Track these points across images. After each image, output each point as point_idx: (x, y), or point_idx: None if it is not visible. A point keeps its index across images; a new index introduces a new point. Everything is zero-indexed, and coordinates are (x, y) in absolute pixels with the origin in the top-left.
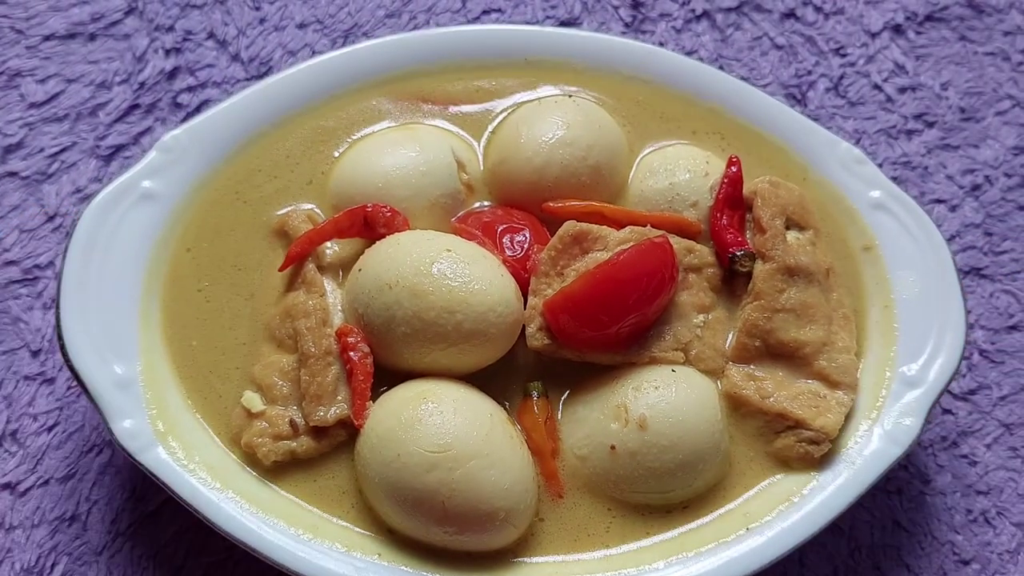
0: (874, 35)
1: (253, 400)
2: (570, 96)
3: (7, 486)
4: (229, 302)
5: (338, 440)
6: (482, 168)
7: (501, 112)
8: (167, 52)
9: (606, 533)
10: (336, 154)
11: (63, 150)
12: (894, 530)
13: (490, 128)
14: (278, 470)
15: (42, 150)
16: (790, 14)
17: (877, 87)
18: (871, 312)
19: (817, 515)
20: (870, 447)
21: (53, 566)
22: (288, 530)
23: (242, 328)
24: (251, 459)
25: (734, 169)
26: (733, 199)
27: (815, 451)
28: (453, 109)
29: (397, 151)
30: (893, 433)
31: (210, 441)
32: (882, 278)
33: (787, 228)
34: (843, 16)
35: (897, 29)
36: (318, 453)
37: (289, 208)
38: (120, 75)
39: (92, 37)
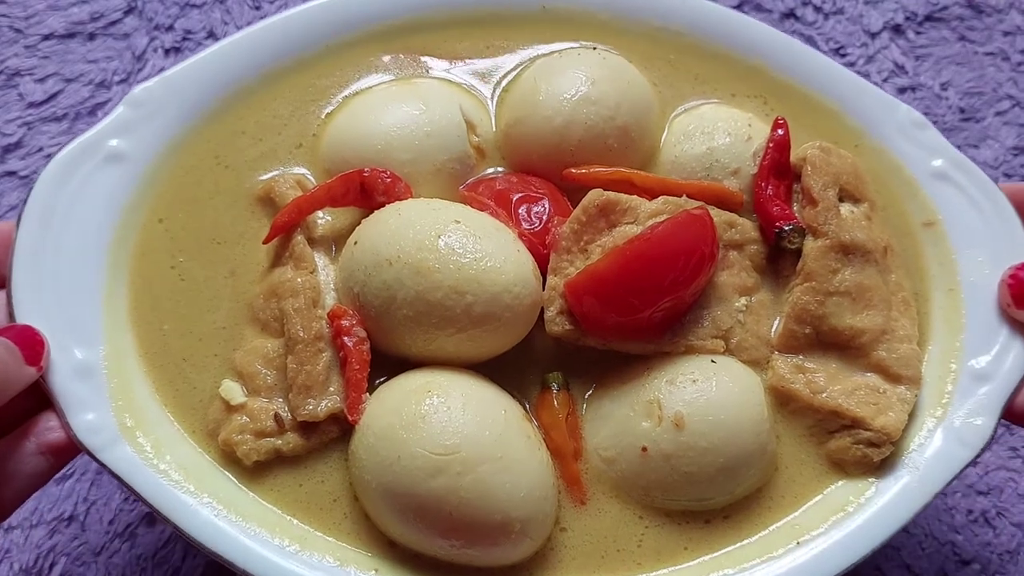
0: (874, 35)
1: (233, 390)
2: (594, 48)
3: None
4: (207, 280)
5: (329, 437)
6: (495, 129)
7: (516, 66)
8: (167, 51)
9: (638, 548)
10: (328, 112)
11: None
12: None
13: (504, 83)
14: (261, 471)
15: (41, 149)
16: (790, 14)
17: (877, 87)
18: (934, 296)
19: (876, 527)
20: (936, 449)
21: (52, 567)
22: (272, 540)
23: (221, 309)
24: (230, 458)
25: (781, 132)
26: (780, 166)
27: (874, 454)
28: (461, 64)
29: (398, 108)
30: (962, 433)
31: (183, 438)
32: (946, 258)
33: (840, 200)
34: (843, 16)
35: (897, 29)
36: (306, 452)
37: (275, 172)
38: (119, 74)
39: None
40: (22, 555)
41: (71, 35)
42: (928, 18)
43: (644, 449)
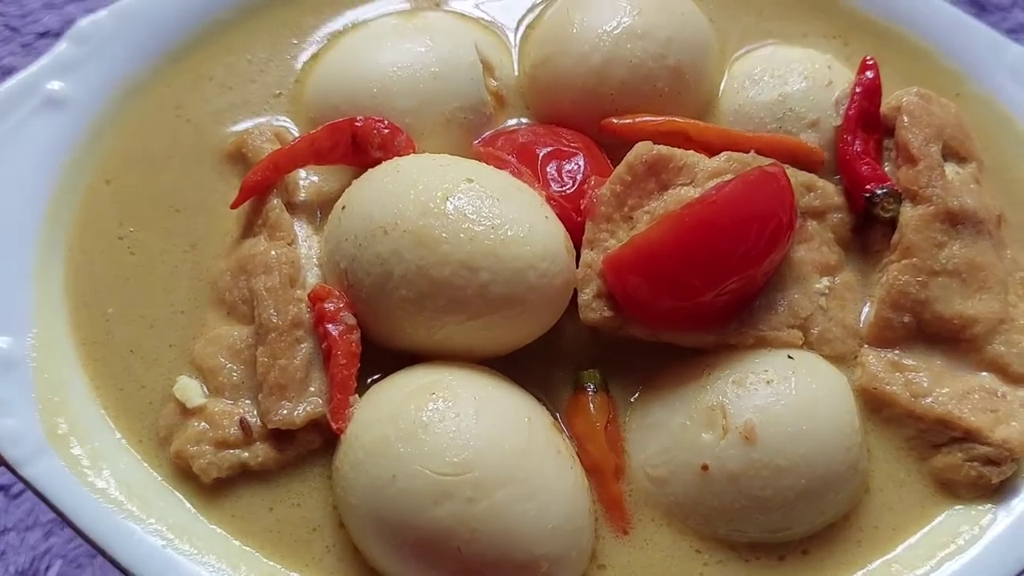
0: None
1: (190, 389)
2: None
3: (0, 488)
4: (162, 254)
5: (308, 449)
6: (517, 71)
7: None
8: None
9: None
10: (315, 53)
11: None
12: None
13: (529, 18)
14: (222, 490)
15: None
16: None
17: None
18: None
19: (994, 565)
20: None
21: (47, 569)
22: None
23: (179, 290)
24: (184, 474)
25: (870, 75)
26: (869, 117)
27: (993, 474)
28: None
29: (399, 45)
30: None
31: (127, 448)
32: None
33: (943, 159)
34: None
35: None
36: (279, 467)
37: (249, 123)
38: None
39: None
40: (18, 557)
41: None
42: None
43: (704, 467)
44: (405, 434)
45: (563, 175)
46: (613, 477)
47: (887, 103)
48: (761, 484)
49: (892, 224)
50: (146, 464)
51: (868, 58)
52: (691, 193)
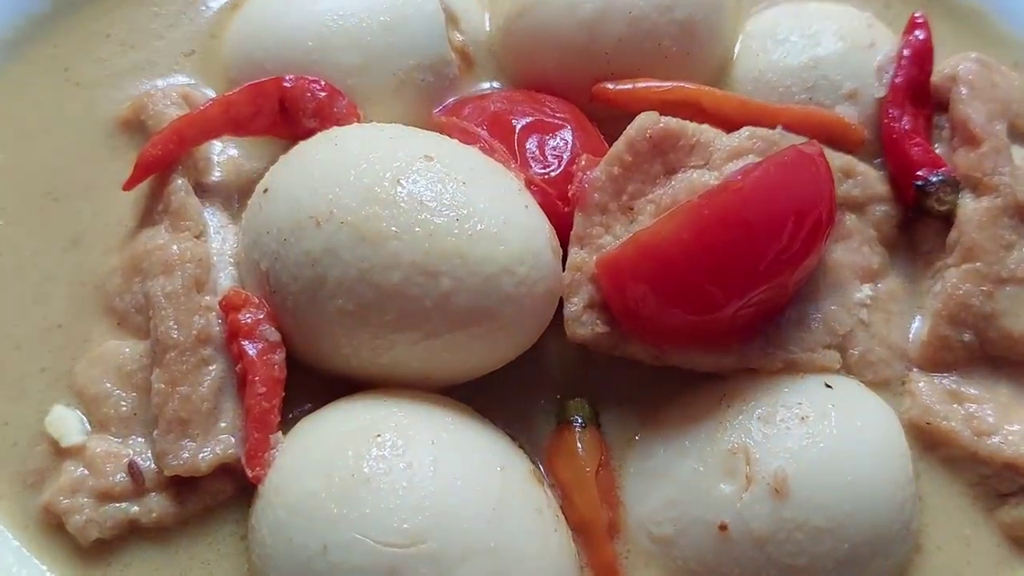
0: None
1: (66, 422)
2: None
3: None
4: (35, 254)
5: (217, 501)
6: (489, 25)
7: None
8: None
9: None
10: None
11: None
12: None
13: None
14: (104, 556)
15: None
16: None
17: None
18: None
19: None
20: None
21: None
22: None
23: (56, 298)
24: (56, 533)
25: (920, 35)
26: (918, 87)
27: None
28: None
29: None
30: None
31: None
32: None
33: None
34: None
35: None
36: (179, 524)
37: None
38: None
39: None
40: None
41: None
42: None
43: (723, 527)
44: (341, 490)
45: (546, 153)
46: (606, 536)
47: (939, 71)
48: (794, 550)
49: (948, 219)
50: (8, 522)
51: (917, 14)
52: (706, 178)
